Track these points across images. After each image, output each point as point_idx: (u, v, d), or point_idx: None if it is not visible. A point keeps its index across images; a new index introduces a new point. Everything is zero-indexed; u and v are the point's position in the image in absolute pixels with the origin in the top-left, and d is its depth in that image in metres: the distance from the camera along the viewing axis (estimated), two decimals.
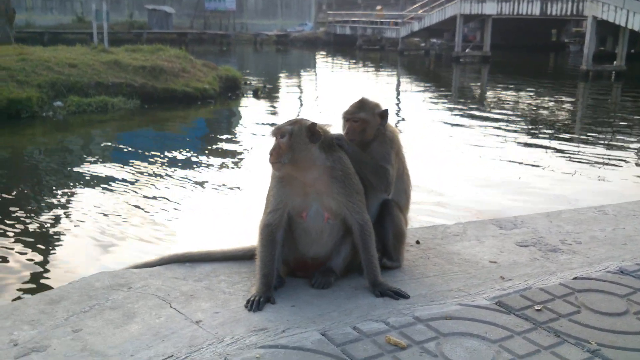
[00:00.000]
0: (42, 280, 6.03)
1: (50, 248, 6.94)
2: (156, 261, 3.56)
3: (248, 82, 23.25)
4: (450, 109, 18.66)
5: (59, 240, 7.23)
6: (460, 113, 17.67)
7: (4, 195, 8.83)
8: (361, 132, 3.46)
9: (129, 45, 23.34)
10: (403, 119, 17.23)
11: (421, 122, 16.08)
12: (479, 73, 31.84)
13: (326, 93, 23.03)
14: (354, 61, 38.79)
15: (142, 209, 8.26)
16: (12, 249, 6.78)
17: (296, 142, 3.09)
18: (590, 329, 2.88)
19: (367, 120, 3.47)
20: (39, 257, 6.57)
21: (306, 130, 3.12)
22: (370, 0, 64.83)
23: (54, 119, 15.29)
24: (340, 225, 3.29)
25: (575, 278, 3.42)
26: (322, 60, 40.39)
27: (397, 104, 20.58)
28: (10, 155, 12.20)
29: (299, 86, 26.26)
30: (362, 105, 3.51)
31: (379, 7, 52.24)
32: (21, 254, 6.66)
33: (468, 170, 10.46)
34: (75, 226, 7.64)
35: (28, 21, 44.23)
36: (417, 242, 3.97)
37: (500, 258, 3.75)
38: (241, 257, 3.56)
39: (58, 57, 18.32)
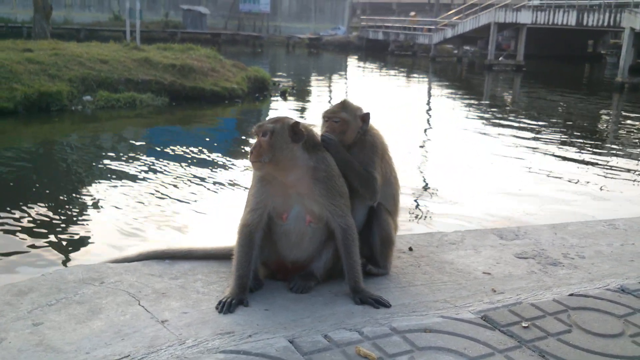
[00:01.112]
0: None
1: (62, 236, 6.93)
2: (135, 256, 3.46)
3: (276, 83, 23.22)
4: (480, 117, 18.33)
5: (71, 229, 7.21)
6: (491, 122, 17.33)
7: (26, 186, 8.91)
8: (340, 134, 3.32)
9: (162, 43, 23.53)
10: (432, 126, 16.99)
11: (450, 129, 15.80)
12: (512, 82, 31.31)
13: (354, 97, 22.86)
14: (385, 66, 38.55)
15: (161, 203, 8.22)
16: (25, 238, 6.81)
17: (278, 141, 2.97)
18: (579, 350, 2.70)
19: (348, 121, 3.33)
20: (51, 244, 6.58)
21: (289, 129, 3.00)
22: (405, 6, 64.55)
23: (82, 113, 15.44)
24: (323, 229, 3.15)
25: (571, 294, 3.23)
26: (353, 64, 40.23)
27: (427, 110, 20.34)
28: (38, 146, 12.34)
29: (328, 89, 26.16)
30: (344, 107, 3.39)
31: (412, 13, 51.89)
32: (36, 237, 6.68)
33: (492, 179, 10.19)
34: (91, 215, 7.67)
35: (66, 18, 45.11)
36: (410, 249, 3.81)
37: (495, 269, 3.57)
38: (223, 256, 3.43)
39: (90, 53, 18.53)
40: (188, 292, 3.05)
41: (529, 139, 14.38)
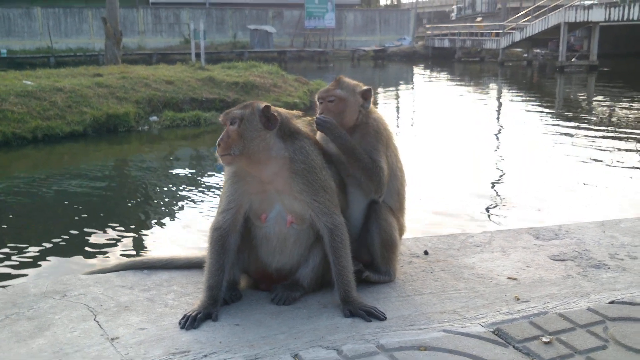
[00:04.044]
0: None
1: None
2: (112, 267, 3.15)
3: None
4: (553, 122, 17.25)
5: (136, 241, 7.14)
6: (564, 126, 16.25)
7: (103, 203, 8.94)
8: (338, 115, 2.89)
9: (227, 63, 23.81)
10: (498, 131, 16.16)
11: (522, 134, 14.93)
12: (585, 83, 29.72)
13: (421, 105, 22.17)
14: (452, 73, 37.56)
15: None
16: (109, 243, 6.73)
17: (248, 129, 2.58)
18: None
19: (345, 99, 2.90)
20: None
21: (259, 114, 2.61)
22: (471, 14, 62.99)
23: (149, 133, 15.61)
24: (308, 231, 2.73)
25: (611, 302, 2.66)
26: (419, 73, 39.42)
27: (497, 116, 19.43)
28: (106, 166, 12.45)
29: (395, 98, 25.56)
30: (340, 83, 2.96)
31: (479, 19, 50.62)
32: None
33: (559, 183, 9.37)
34: (154, 233, 7.58)
35: (140, 44, 46.60)
36: (425, 253, 3.33)
37: (523, 274, 3.03)
38: None
39: (156, 75, 18.87)
40: (155, 305, 2.69)
41: (601, 137, 13.36)
